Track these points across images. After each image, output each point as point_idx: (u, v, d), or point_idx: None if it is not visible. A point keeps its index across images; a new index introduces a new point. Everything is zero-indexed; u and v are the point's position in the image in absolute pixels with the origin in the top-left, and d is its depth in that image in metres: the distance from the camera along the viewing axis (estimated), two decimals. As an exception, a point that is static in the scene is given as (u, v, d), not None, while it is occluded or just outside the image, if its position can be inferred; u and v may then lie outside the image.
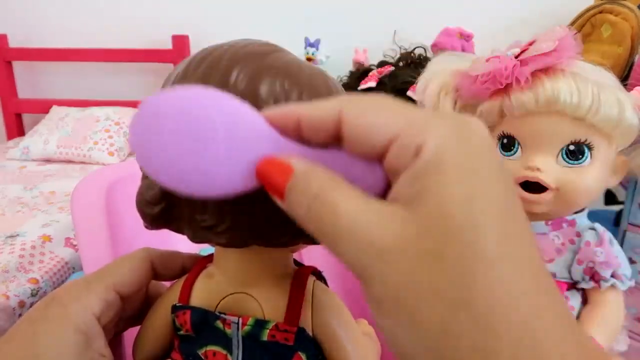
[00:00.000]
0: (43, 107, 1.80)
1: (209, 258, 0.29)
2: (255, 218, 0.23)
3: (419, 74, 0.59)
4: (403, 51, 0.96)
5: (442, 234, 0.14)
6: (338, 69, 1.41)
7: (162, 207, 0.24)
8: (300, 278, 0.27)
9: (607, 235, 0.50)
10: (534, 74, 0.46)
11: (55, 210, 1.11)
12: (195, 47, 1.75)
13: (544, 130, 0.47)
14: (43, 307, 0.25)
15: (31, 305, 0.82)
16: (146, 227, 0.26)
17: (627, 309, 0.51)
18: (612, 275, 0.48)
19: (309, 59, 1.54)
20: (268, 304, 0.26)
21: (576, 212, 0.52)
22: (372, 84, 0.74)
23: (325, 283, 0.29)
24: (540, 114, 0.47)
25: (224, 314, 0.26)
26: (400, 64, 0.82)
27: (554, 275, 0.51)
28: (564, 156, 0.47)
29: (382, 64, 0.87)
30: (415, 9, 1.63)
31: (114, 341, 0.29)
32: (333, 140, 0.17)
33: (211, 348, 0.26)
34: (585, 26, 1.08)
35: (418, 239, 0.14)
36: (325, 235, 0.16)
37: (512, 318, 0.13)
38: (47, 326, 0.24)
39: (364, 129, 0.16)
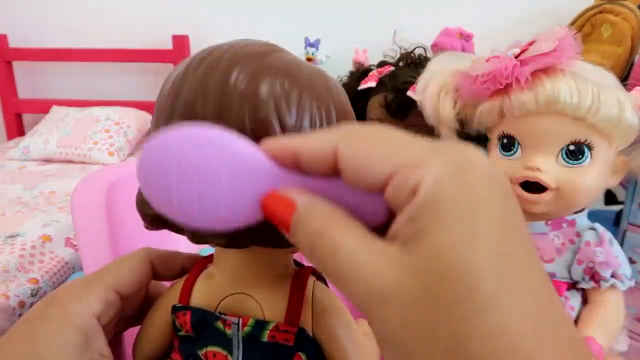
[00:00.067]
0: (43, 107, 1.80)
1: (209, 258, 0.29)
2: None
3: (419, 74, 0.59)
4: (403, 51, 0.96)
5: (439, 279, 0.13)
6: (338, 69, 1.41)
7: (162, 207, 0.24)
8: (301, 278, 0.27)
9: (607, 235, 0.50)
10: (534, 74, 0.46)
11: (55, 210, 1.11)
12: (195, 47, 1.75)
13: (544, 130, 0.47)
14: (43, 307, 0.25)
15: (31, 305, 0.82)
16: (146, 227, 0.26)
17: (627, 309, 0.51)
18: (612, 275, 0.48)
19: (309, 59, 1.54)
20: (268, 304, 0.26)
21: (576, 212, 0.52)
22: (372, 84, 0.74)
23: (326, 283, 0.29)
24: (540, 114, 0.47)
25: (224, 314, 0.26)
26: (400, 64, 0.82)
27: (553, 275, 0.51)
28: (564, 156, 0.47)
29: (382, 64, 0.87)
30: (415, 9, 1.63)
31: (114, 341, 0.29)
32: (332, 172, 0.17)
33: (211, 349, 0.26)
34: (585, 26, 1.08)
35: (416, 284, 0.14)
36: (328, 274, 0.16)
37: None
38: (47, 326, 0.24)
39: (361, 166, 0.16)
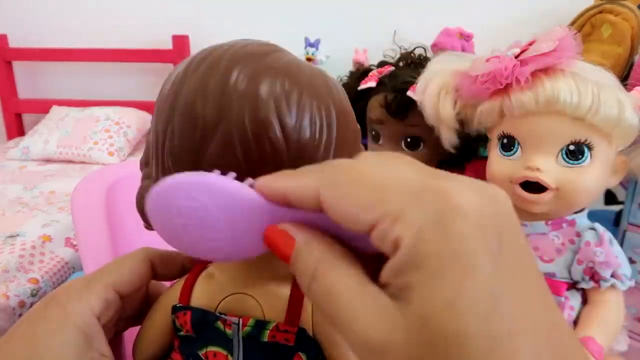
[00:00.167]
0: (43, 107, 1.80)
1: (209, 258, 0.29)
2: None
3: (419, 74, 0.59)
4: (403, 51, 0.95)
5: (432, 340, 0.13)
6: (338, 69, 1.41)
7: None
8: (301, 278, 0.27)
9: (607, 235, 0.50)
10: (534, 74, 0.46)
11: (55, 210, 1.11)
12: (195, 47, 1.75)
13: (544, 130, 0.47)
14: (43, 307, 0.25)
15: (31, 305, 0.82)
16: (146, 227, 0.26)
17: (627, 309, 0.51)
18: (612, 275, 0.48)
19: (309, 59, 1.54)
20: (268, 304, 0.26)
21: (576, 212, 0.52)
22: (372, 84, 0.74)
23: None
24: (540, 114, 0.47)
25: (225, 314, 0.26)
26: (400, 64, 0.82)
27: (553, 275, 0.51)
28: (564, 156, 0.47)
29: (382, 64, 0.87)
30: (415, 9, 1.63)
31: (114, 341, 0.29)
32: (321, 210, 0.16)
33: (212, 349, 0.26)
34: (585, 26, 1.08)
35: (409, 341, 0.14)
36: (325, 317, 0.16)
37: None
38: (47, 326, 0.24)
39: (342, 218, 0.16)
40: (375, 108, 0.71)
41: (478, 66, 0.50)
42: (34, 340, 0.24)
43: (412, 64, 0.79)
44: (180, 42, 1.74)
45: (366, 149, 0.63)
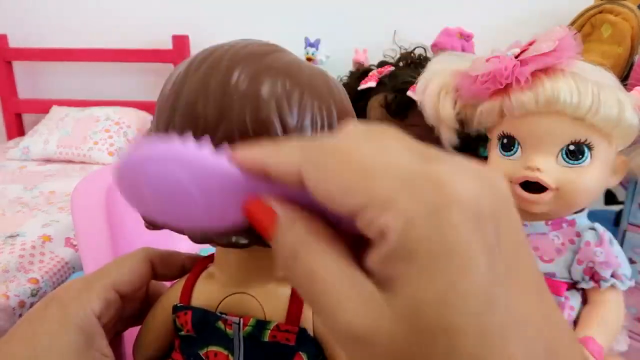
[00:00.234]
0: (43, 107, 1.80)
1: (210, 258, 0.29)
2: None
3: (419, 74, 0.59)
4: (403, 51, 0.96)
5: (415, 335, 0.13)
6: (338, 69, 1.41)
7: (163, 207, 0.24)
8: (301, 278, 0.27)
9: (607, 235, 0.50)
10: (534, 74, 0.46)
11: (55, 210, 1.11)
12: (195, 47, 1.75)
13: (544, 130, 0.47)
14: (43, 308, 0.25)
15: (31, 305, 0.82)
16: (146, 227, 0.26)
17: (627, 309, 0.51)
18: (612, 275, 0.48)
19: (309, 59, 1.54)
20: (269, 304, 0.26)
21: (576, 212, 0.52)
22: (372, 84, 0.74)
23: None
24: (540, 114, 0.47)
25: (225, 314, 0.26)
26: (400, 64, 0.82)
27: (553, 275, 0.51)
28: (564, 156, 0.47)
29: (382, 64, 0.87)
30: (415, 9, 1.63)
31: (114, 341, 0.29)
32: (303, 187, 0.15)
33: (212, 348, 0.26)
34: (585, 26, 1.08)
35: (396, 333, 0.13)
36: (306, 300, 0.15)
37: None
38: (48, 326, 0.24)
39: (325, 199, 0.14)
40: (375, 108, 0.71)
41: (478, 66, 0.50)
42: (35, 340, 0.24)
43: (412, 64, 0.79)
44: (180, 42, 1.74)
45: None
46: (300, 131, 0.23)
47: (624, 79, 0.70)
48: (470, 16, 1.37)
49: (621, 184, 0.67)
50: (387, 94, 0.68)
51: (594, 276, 0.49)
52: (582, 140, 0.46)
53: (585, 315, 0.49)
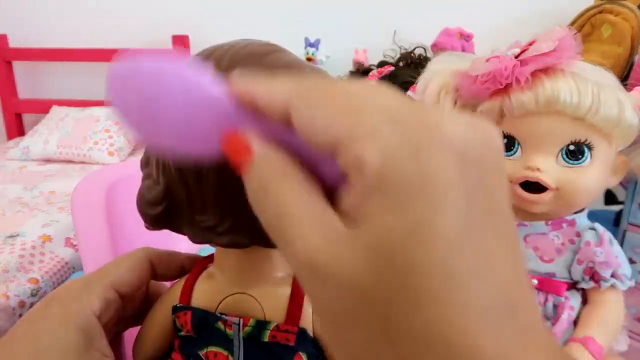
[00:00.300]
0: (43, 107, 1.80)
1: (210, 258, 0.29)
2: (256, 218, 0.23)
3: (419, 74, 0.59)
4: (403, 51, 0.96)
5: (376, 270, 0.12)
6: (338, 69, 1.41)
7: (163, 207, 0.24)
8: (301, 278, 0.27)
9: (607, 235, 0.50)
10: (534, 74, 0.46)
11: (55, 210, 1.11)
12: (195, 47, 1.75)
13: (544, 130, 0.47)
14: (43, 307, 0.25)
15: (31, 305, 0.82)
16: (147, 227, 0.26)
17: (627, 309, 0.51)
18: (612, 275, 0.48)
19: (309, 59, 1.54)
20: (269, 304, 0.26)
21: (576, 212, 0.52)
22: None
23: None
24: (540, 114, 0.47)
25: (225, 314, 0.26)
26: (400, 64, 0.82)
27: (553, 275, 0.51)
28: (564, 156, 0.47)
29: (382, 64, 0.87)
30: (415, 9, 1.63)
31: (114, 341, 0.29)
32: (289, 124, 0.15)
33: (212, 349, 0.26)
34: (585, 26, 1.08)
35: (352, 269, 0.13)
36: (270, 232, 0.15)
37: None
38: (48, 326, 0.24)
39: (309, 129, 0.14)
40: (375, 108, 0.71)
41: (478, 66, 0.50)
42: (35, 340, 0.24)
43: (412, 64, 0.79)
44: (180, 42, 1.74)
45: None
46: None
47: (624, 79, 0.70)
48: (470, 16, 1.37)
49: (621, 184, 0.67)
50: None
51: (594, 276, 0.49)
52: (582, 140, 0.46)
53: (585, 315, 0.49)
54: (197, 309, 0.27)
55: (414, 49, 0.90)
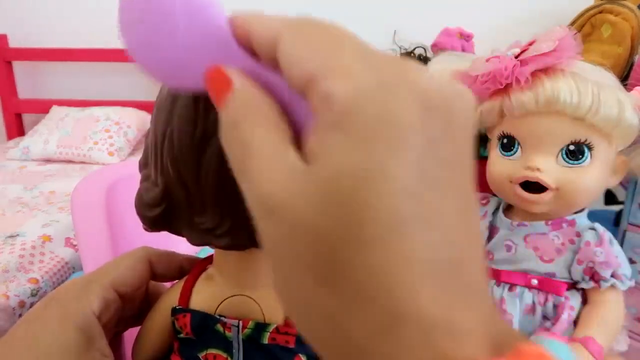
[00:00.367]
0: (43, 107, 1.80)
1: (209, 260, 0.29)
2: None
3: (419, 74, 0.59)
4: (403, 51, 0.96)
5: (327, 208, 0.12)
6: (338, 68, 1.41)
7: (162, 209, 0.24)
8: (300, 279, 0.27)
9: (607, 235, 0.50)
10: (534, 74, 0.46)
11: (55, 210, 1.11)
12: (195, 47, 1.74)
13: (544, 130, 0.47)
14: (42, 307, 0.25)
15: (31, 305, 0.82)
16: (145, 229, 0.26)
17: (627, 309, 0.51)
18: (612, 275, 0.48)
19: (309, 59, 1.54)
20: (268, 306, 0.26)
21: (576, 212, 0.52)
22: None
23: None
24: (540, 114, 0.47)
25: (224, 317, 0.26)
26: (400, 64, 0.82)
27: (553, 275, 0.51)
28: (564, 156, 0.47)
29: (382, 64, 0.87)
30: (415, 9, 1.63)
31: (114, 341, 0.29)
32: (276, 65, 0.15)
33: (211, 351, 0.26)
34: (585, 26, 1.08)
35: (306, 206, 0.13)
36: (233, 166, 0.15)
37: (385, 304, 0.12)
38: (48, 326, 0.24)
39: (287, 62, 0.14)
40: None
41: (478, 66, 0.50)
42: (35, 340, 0.23)
43: (412, 64, 0.79)
44: (180, 42, 1.74)
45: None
46: None
47: (624, 79, 0.70)
48: (470, 16, 1.37)
49: (621, 184, 0.67)
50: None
51: (594, 276, 0.49)
52: (582, 140, 0.46)
53: (585, 315, 0.49)
54: (197, 311, 0.27)
55: (414, 49, 0.90)
